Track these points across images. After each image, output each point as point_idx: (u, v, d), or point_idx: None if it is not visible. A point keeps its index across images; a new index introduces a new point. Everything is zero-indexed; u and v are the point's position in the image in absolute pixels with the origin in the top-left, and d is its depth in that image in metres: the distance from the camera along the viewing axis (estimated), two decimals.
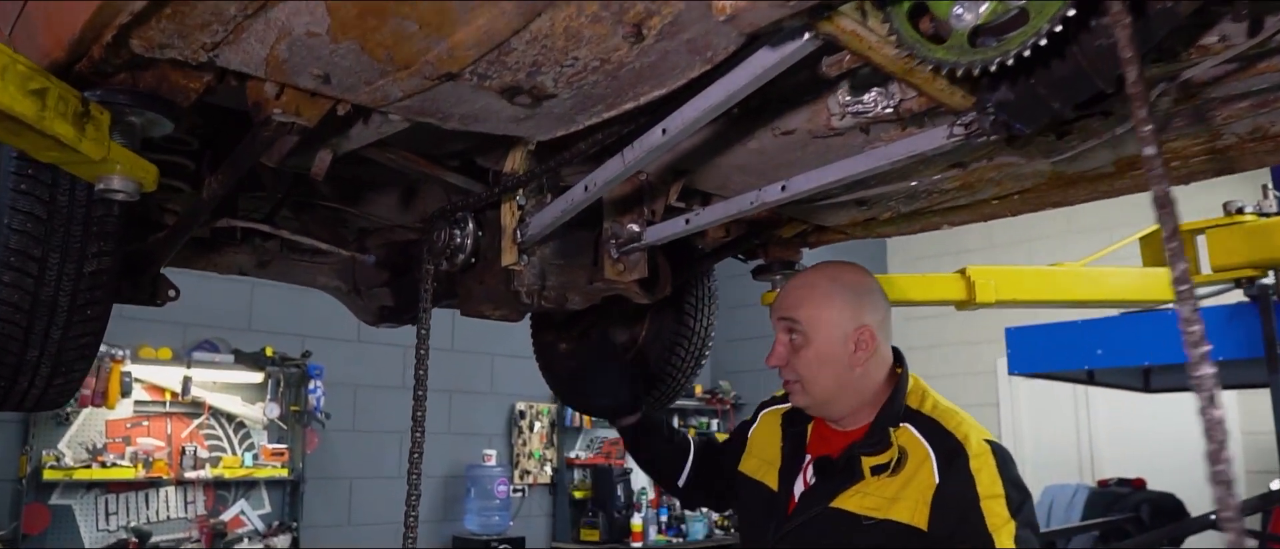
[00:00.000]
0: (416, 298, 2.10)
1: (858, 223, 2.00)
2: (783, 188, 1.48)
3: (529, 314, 2.87)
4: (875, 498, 1.49)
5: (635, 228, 1.73)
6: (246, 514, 5.50)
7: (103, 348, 4.74)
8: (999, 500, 1.42)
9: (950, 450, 1.47)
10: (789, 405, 1.75)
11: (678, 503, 1.87)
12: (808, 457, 1.65)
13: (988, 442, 1.50)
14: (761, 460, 1.76)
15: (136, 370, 4.97)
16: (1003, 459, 1.48)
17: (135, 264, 1.81)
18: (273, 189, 1.90)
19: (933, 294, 2.37)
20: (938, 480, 1.45)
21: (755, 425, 1.87)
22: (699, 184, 1.78)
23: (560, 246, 1.74)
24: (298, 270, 2.08)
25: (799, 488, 1.63)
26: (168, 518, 5.18)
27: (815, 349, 1.59)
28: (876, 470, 1.51)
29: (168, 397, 5.19)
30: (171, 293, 1.87)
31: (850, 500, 1.51)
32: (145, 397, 5.13)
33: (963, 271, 2.38)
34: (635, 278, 1.73)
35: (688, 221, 1.63)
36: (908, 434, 1.53)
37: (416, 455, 1.59)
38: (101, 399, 4.78)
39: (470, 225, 1.69)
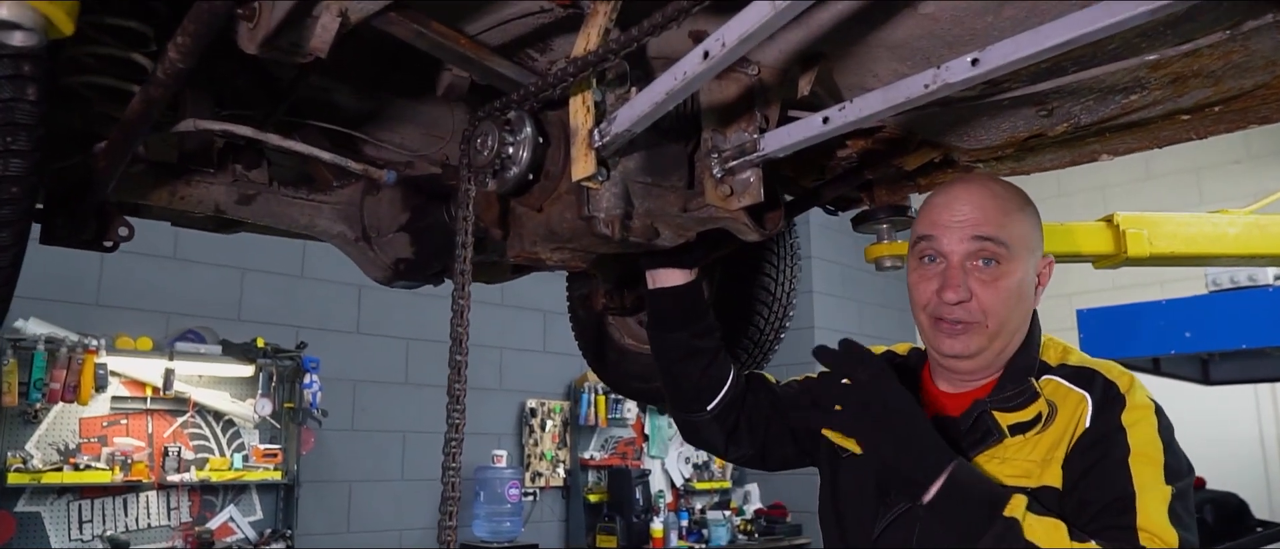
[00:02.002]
0: (443, 247, 1.65)
1: (1015, 143, 1.56)
2: (974, 61, 1.04)
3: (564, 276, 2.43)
4: (1021, 463, 1.23)
5: (748, 135, 1.28)
6: (236, 521, 5.04)
7: (74, 337, 4.30)
8: (1152, 464, 1.15)
9: (1110, 396, 1.22)
10: (886, 360, 1.44)
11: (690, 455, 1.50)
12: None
13: (1154, 402, 1.24)
14: None
15: (113, 362, 4.50)
16: (1166, 425, 1.22)
17: (73, 190, 1.35)
18: (257, 98, 1.45)
19: (1073, 246, 1.94)
20: (1088, 425, 1.20)
21: None
22: (834, 75, 1.34)
23: (647, 161, 1.29)
24: (290, 210, 1.62)
25: None
26: (148, 526, 4.71)
27: (1016, 278, 1.29)
28: (1018, 429, 1.25)
29: (148, 392, 4.72)
30: (123, 231, 1.42)
31: (986, 467, 1.24)
32: (123, 392, 4.66)
33: (1109, 219, 1.94)
34: (745, 204, 1.28)
35: (827, 120, 1.18)
36: (1055, 385, 1.27)
37: (454, 443, 1.14)
38: (73, 394, 4.31)
39: (527, 129, 1.24)
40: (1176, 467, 1.18)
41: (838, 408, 1.28)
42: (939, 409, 1.36)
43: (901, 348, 1.54)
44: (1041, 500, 1.17)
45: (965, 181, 1.39)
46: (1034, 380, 1.28)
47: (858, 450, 1.37)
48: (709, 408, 1.53)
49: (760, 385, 1.60)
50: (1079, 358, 1.33)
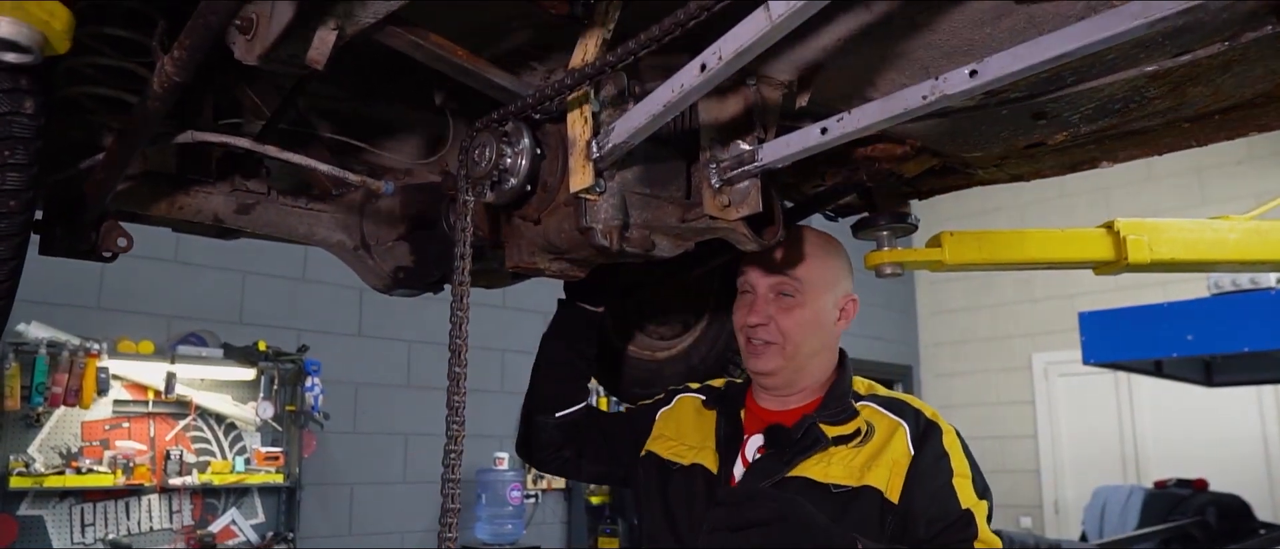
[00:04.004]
0: (443, 256, 1.65)
1: (1014, 152, 1.56)
2: (972, 72, 1.04)
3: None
4: (844, 467, 1.46)
5: (746, 146, 1.28)
6: (238, 524, 5.03)
7: (75, 341, 4.30)
8: (968, 480, 1.44)
9: (924, 426, 1.48)
10: (703, 391, 1.74)
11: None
12: (747, 436, 1.60)
13: (955, 427, 1.53)
14: (683, 444, 1.67)
15: (114, 366, 4.50)
16: (966, 444, 1.50)
17: (71, 202, 1.35)
18: (256, 109, 1.45)
19: (1073, 252, 1.93)
20: (913, 453, 1.45)
21: (669, 407, 1.77)
22: (831, 85, 1.33)
23: (645, 172, 1.29)
24: (290, 220, 1.62)
25: (739, 468, 1.57)
26: (150, 529, 4.70)
27: (810, 310, 1.57)
28: (840, 441, 1.49)
29: (150, 395, 4.71)
30: (122, 241, 1.41)
31: (813, 469, 1.47)
32: (125, 395, 4.65)
33: (1109, 225, 1.93)
34: (744, 215, 1.28)
35: (825, 131, 1.18)
36: (871, 410, 1.53)
37: (454, 455, 1.14)
38: (75, 398, 4.30)
39: (525, 140, 1.24)
40: (981, 483, 1.46)
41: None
42: (773, 421, 1.58)
43: (717, 382, 1.79)
44: (864, 499, 1.42)
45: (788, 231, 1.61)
46: (852, 403, 1.54)
47: (686, 463, 1.62)
48: (558, 416, 1.76)
49: (595, 411, 1.84)
50: (884, 391, 1.61)
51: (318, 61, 1.14)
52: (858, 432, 1.50)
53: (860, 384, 1.63)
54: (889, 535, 1.42)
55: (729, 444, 1.60)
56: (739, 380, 1.74)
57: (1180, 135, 1.57)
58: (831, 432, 1.50)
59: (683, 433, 1.68)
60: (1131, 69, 1.22)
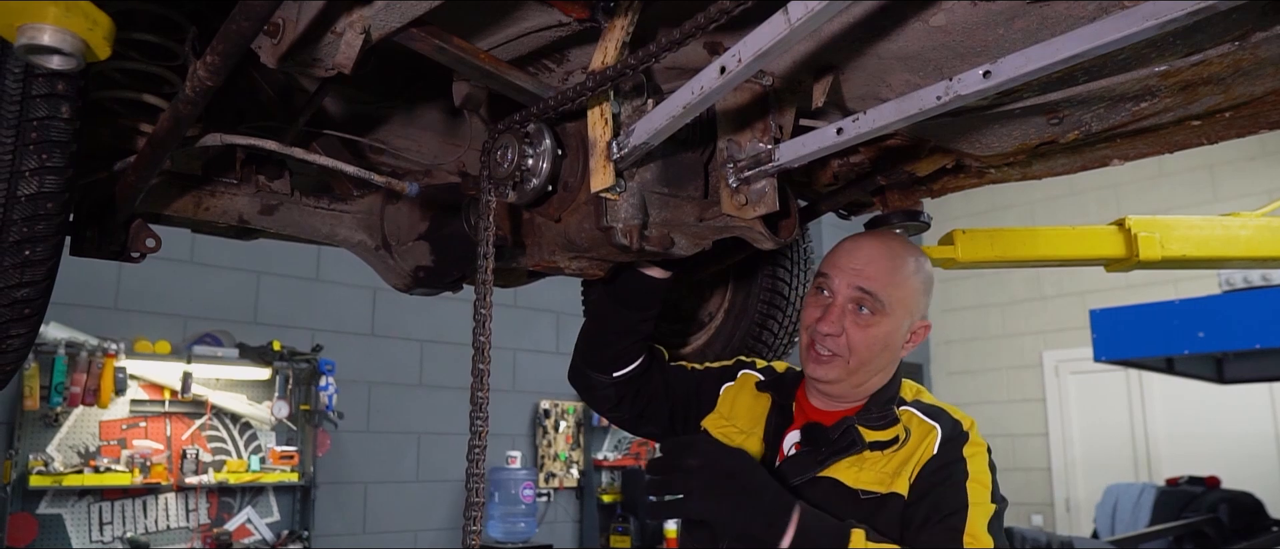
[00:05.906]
0: (463, 255, 1.68)
1: (1026, 150, 1.57)
2: (985, 73, 1.05)
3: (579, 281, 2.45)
4: (876, 473, 1.44)
5: (763, 146, 1.30)
6: (253, 522, 5.09)
7: (93, 341, 4.35)
8: (985, 488, 1.41)
9: (956, 433, 1.47)
10: (764, 373, 1.70)
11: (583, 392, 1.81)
12: (791, 429, 1.58)
13: (986, 442, 1.49)
14: (734, 427, 1.64)
15: (132, 366, 4.56)
16: (993, 463, 1.47)
17: (101, 204, 1.38)
18: (281, 110, 1.48)
19: (1084, 250, 1.94)
20: (935, 453, 1.43)
21: (733, 382, 1.73)
22: (846, 86, 1.35)
23: (663, 171, 1.31)
24: (312, 220, 1.65)
25: (779, 461, 1.54)
26: (167, 527, 4.76)
27: (884, 329, 1.50)
28: (877, 446, 1.46)
29: (166, 395, 4.78)
30: (150, 242, 1.44)
31: (845, 472, 1.45)
32: (142, 395, 4.72)
33: (1121, 222, 1.94)
34: (761, 213, 1.30)
35: (841, 131, 1.20)
36: (911, 415, 1.51)
37: (478, 450, 1.17)
38: (93, 398, 4.36)
39: (546, 141, 1.26)
40: (997, 494, 1.43)
41: (681, 497, 1.37)
42: (812, 418, 1.56)
43: (779, 365, 1.74)
44: (890, 506, 1.40)
45: (872, 238, 1.57)
46: (895, 409, 1.51)
47: (748, 449, 1.53)
48: (615, 375, 1.69)
49: (659, 364, 1.76)
50: (929, 397, 1.57)
51: (345, 65, 1.16)
52: (896, 438, 1.46)
53: (908, 389, 1.58)
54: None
55: (776, 434, 1.58)
56: (799, 369, 1.69)
57: (1190, 133, 1.59)
58: (869, 436, 1.47)
59: (736, 415, 1.66)
60: (1143, 68, 1.23)
